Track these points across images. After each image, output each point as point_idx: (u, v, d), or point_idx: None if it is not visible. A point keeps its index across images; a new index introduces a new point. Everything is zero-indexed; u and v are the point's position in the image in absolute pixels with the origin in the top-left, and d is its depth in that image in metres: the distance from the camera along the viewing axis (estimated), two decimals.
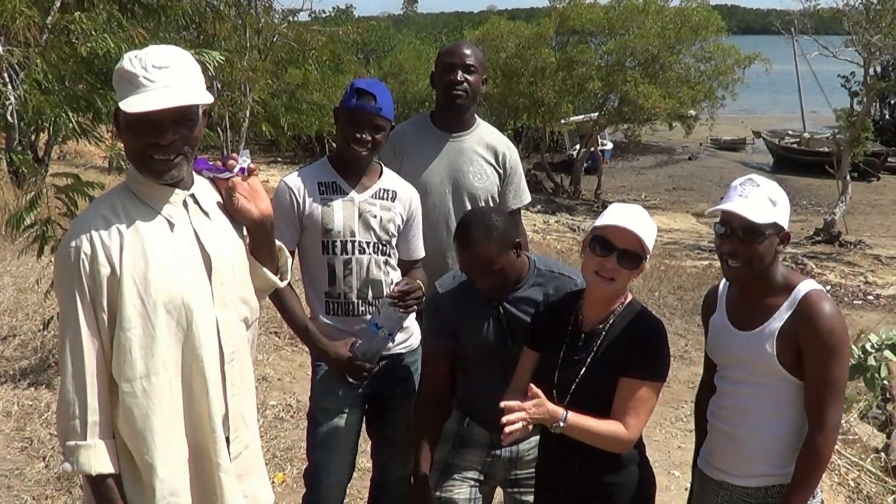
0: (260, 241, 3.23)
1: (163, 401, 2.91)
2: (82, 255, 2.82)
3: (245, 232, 3.22)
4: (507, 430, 3.31)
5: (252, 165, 3.19)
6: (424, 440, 4.24)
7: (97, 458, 2.85)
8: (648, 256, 3.59)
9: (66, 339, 2.86)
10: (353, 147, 4.27)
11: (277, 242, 3.35)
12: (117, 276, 2.83)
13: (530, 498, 4.19)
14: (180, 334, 2.93)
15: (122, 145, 2.95)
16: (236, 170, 3.14)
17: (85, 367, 2.83)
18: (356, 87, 4.26)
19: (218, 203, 3.15)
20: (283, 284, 3.41)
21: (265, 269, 3.26)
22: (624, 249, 3.52)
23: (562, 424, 3.45)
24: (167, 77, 2.82)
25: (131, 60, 2.84)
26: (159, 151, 2.86)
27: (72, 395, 2.84)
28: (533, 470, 4.21)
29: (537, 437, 4.20)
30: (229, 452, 3.10)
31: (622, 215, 3.56)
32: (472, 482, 4.26)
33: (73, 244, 2.84)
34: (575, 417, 3.47)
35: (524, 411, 3.35)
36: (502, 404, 3.36)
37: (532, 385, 3.45)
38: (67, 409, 2.85)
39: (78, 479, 4.78)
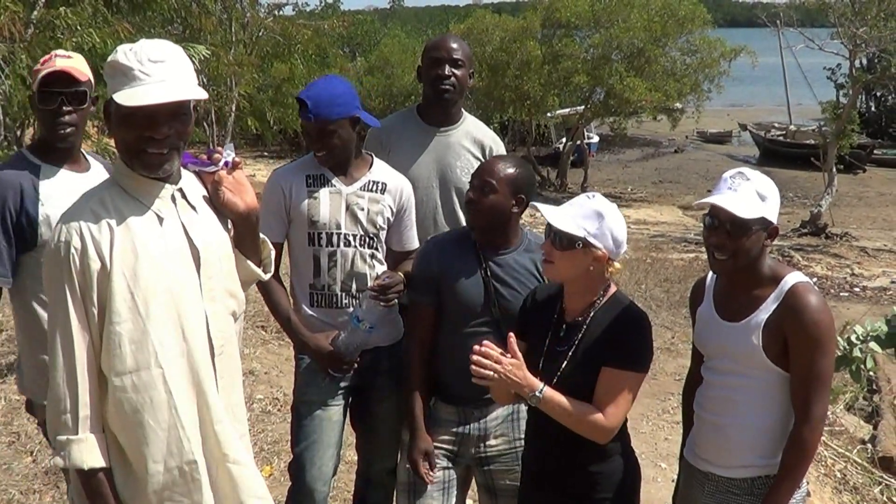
0: (245, 233, 3.25)
1: (153, 395, 2.90)
2: (72, 250, 2.81)
3: (230, 225, 3.22)
4: (476, 374, 3.44)
5: (237, 159, 3.19)
6: (416, 392, 4.26)
7: (89, 453, 2.85)
8: (593, 242, 3.55)
9: (57, 333, 2.85)
10: (318, 157, 4.34)
11: (261, 235, 3.36)
12: (107, 270, 2.83)
13: (505, 480, 4.26)
14: (170, 328, 2.93)
15: (113, 139, 2.94)
16: (221, 163, 3.15)
17: (76, 362, 2.83)
18: (298, 96, 4.27)
19: (204, 197, 3.16)
20: (266, 277, 3.43)
21: (249, 262, 3.28)
22: (556, 231, 3.56)
23: (538, 395, 3.49)
24: (162, 71, 2.83)
25: (126, 54, 2.84)
26: (154, 145, 2.86)
27: (62, 389, 2.84)
28: (504, 446, 4.28)
29: (504, 411, 4.28)
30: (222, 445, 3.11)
31: (564, 206, 3.65)
32: (445, 464, 4.28)
33: (62, 239, 2.84)
34: (552, 392, 3.51)
35: (500, 365, 3.43)
36: (479, 347, 3.45)
37: (513, 342, 3.51)
38: (58, 403, 2.84)
39: (62, 474, 4.76)
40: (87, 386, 2.85)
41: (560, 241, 3.55)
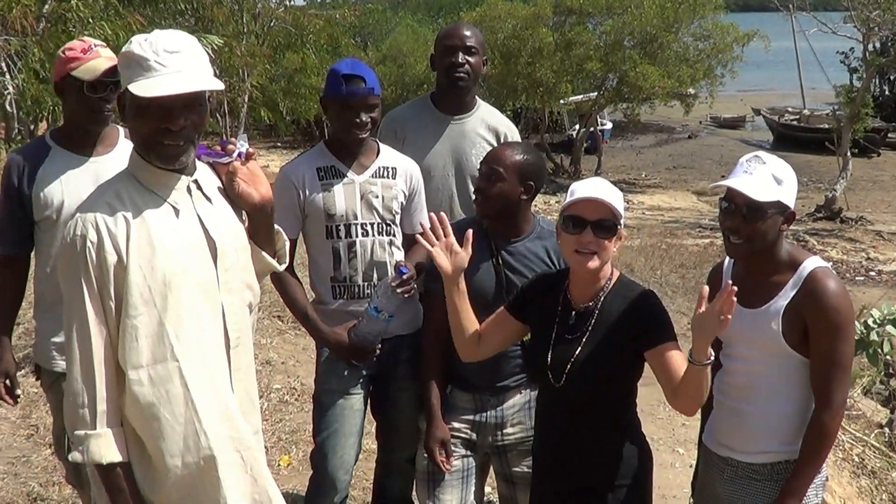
0: (260, 224, 3.24)
1: (170, 388, 2.90)
2: (88, 244, 2.80)
3: (245, 216, 3.22)
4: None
5: (251, 150, 3.18)
6: (433, 379, 4.28)
7: (107, 447, 2.85)
8: (622, 222, 3.58)
9: (73, 328, 2.84)
10: (355, 132, 4.27)
11: (275, 226, 3.36)
12: (124, 263, 2.82)
13: (522, 468, 4.26)
14: (187, 321, 2.92)
15: (128, 130, 2.93)
16: (235, 154, 3.13)
17: (93, 356, 2.82)
18: (342, 73, 4.23)
19: (218, 188, 3.15)
20: (282, 268, 3.43)
21: (264, 254, 3.27)
22: (597, 220, 3.51)
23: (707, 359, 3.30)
24: (179, 62, 2.82)
25: (141, 44, 2.82)
26: (170, 137, 2.85)
27: (80, 384, 2.83)
28: (521, 434, 4.28)
29: (521, 399, 4.31)
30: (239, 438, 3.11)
31: (585, 189, 3.56)
32: (463, 452, 4.30)
33: (78, 233, 2.82)
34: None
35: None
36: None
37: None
38: (76, 398, 2.84)
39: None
40: (104, 380, 2.84)
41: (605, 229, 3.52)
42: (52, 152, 4.28)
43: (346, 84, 4.21)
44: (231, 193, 3.15)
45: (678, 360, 3.48)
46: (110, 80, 4.05)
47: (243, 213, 3.22)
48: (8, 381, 4.45)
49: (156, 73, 2.79)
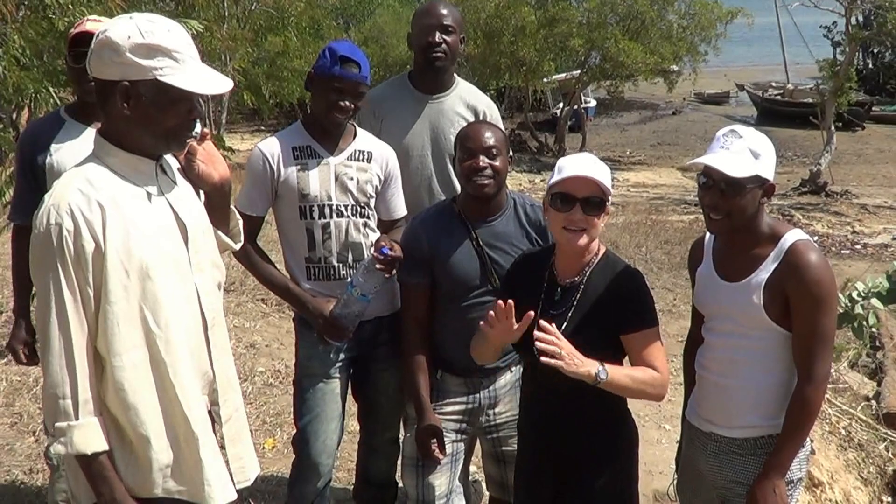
0: (218, 204, 3.25)
1: (152, 372, 2.89)
2: (65, 233, 2.75)
3: (202, 196, 3.22)
4: (542, 351, 3.33)
5: (205, 130, 3.17)
6: (419, 371, 4.24)
7: (92, 437, 2.81)
8: (610, 198, 3.59)
9: (52, 318, 2.79)
10: (336, 114, 4.24)
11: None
12: (102, 250, 2.79)
13: (512, 447, 4.23)
14: (166, 304, 2.91)
15: (140, 120, 2.88)
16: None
17: (73, 346, 2.78)
18: (339, 54, 4.19)
19: (178, 170, 3.15)
20: (237, 246, 3.44)
21: (220, 233, 3.28)
22: (585, 198, 3.52)
23: (603, 373, 3.40)
24: (193, 49, 2.88)
25: (166, 35, 2.82)
26: (191, 127, 2.92)
27: (60, 375, 2.78)
28: (512, 412, 4.27)
29: (511, 377, 4.32)
30: (220, 416, 3.13)
31: (573, 165, 3.57)
32: (453, 437, 4.28)
33: (52, 222, 2.77)
34: (613, 368, 3.46)
35: (560, 345, 3.35)
36: (542, 324, 3.37)
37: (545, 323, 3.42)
38: (56, 389, 2.79)
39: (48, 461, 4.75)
40: (86, 370, 2.80)
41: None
42: (67, 125, 4.37)
43: (340, 65, 4.18)
44: (190, 174, 3.15)
45: (650, 348, 3.57)
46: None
47: (200, 193, 3.22)
48: (26, 349, 4.59)
49: (184, 64, 2.83)
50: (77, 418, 2.79)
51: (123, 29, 2.80)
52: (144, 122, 2.86)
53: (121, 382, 2.84)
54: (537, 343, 3.33)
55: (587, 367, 3.39)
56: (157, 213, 2.94)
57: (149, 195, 2.94)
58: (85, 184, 2.84)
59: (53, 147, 4.30)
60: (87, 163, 2.94)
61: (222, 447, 3.15)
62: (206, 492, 3.00)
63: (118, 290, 2.82)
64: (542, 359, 3.32)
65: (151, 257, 2.87)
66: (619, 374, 3.47)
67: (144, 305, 2.86)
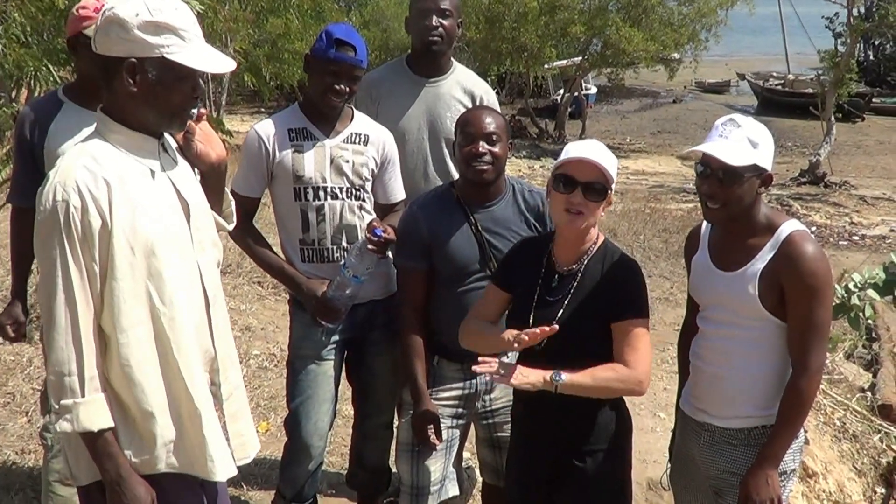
0: (213, 185, 3.27)
1: (158, 348, 2.91)
2: (72, 209, 2.76)
3: (198, 176, 3.23)
4: (477, 370, 3.46)
5: (202, 110, 3.19)
6: (416, 356, 4.23)
7: (98, 414, 2.82)
8: (613, 186, 3.60)
9: (58, 295, 2.79)
10: (331, 97, 4.24)
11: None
12: (108, 227, 2.80)
13: (506, 433, 4.23)
14: (170, 281, 2.92)
15: (146, 97, 2.88)
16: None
17: (80, 323, 2.79)
18: (335, 37, 4.19)
19: (177, 149, 3.15)
20: (230, 227, 3.45)
21: (215, 213, 3.29)
22: (587, 182, 3.53)
23: (559, 379, 3.45)
24: (200, 31, 2.92)
25: (174, 13, 2.85)
26: (194, 104, 2.96)
27: (66, 352, 2.78)
28: (507, 398, 4.26)
29: (507, 361, 4.25)
30: (221, 393, 3.14)
31: (579, 150, 3.58)
32: (449, 423, 4.27)
33: (59, 198, 2.77)
34: (569, 374, 3.47)
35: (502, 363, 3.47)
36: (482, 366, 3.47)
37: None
38: (62, 366, 2.79)
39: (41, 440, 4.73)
40: (92, 347, 2.81)
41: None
42: (65, 107, 4.33)
43: (336, 48, 4.18)
44: (188, 153, 3.17)
45: (632, 339, 3.57)
46: None
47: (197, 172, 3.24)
48: (14, 325, 4.55)
49: (191, 42, 2.86)
50: (83, 395, 2.80)
51: (132, 6, 2.81)
52: (150, 100, 2.88)
53: (126, 358, 2.86)
54: (473, 367, 3.46)
55: (537, 375, 3.45)
56: (160, 190, 2.96)
57: (152, 172, 2.96)
58: (91, 160, 2.85)
59: (51, 130, 4.27)
60: (91, 139, 2.95)
61: (223, 424, 3.16)
62: (209, 467, 3.02)
63: (124, 267, 2.83)
64: (475, 368, 3.45)
65: (156, 234, 2.89)
66: (578, 375, 3.48)
67: (149, 282, 2.88)
